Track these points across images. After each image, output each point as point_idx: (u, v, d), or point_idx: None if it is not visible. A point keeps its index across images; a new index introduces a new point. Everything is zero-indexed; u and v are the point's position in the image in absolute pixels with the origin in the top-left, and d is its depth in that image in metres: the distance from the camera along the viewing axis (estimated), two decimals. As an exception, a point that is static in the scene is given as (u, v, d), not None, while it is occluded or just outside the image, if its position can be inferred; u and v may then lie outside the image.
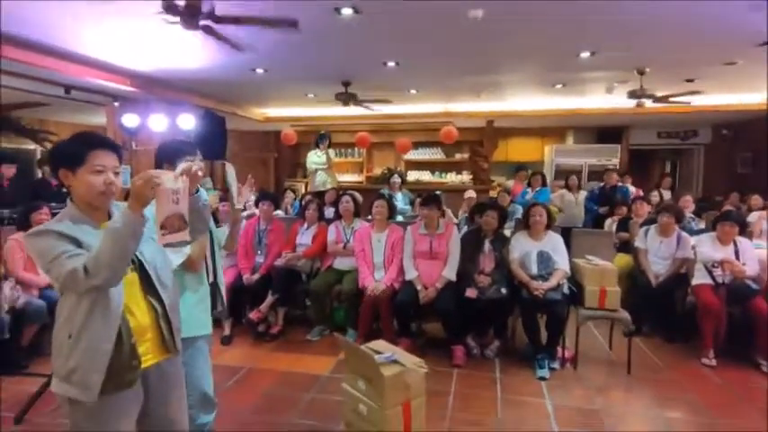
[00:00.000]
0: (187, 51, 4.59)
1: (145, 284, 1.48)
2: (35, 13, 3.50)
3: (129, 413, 1.47)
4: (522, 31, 3.88)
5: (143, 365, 1.45)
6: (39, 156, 8.59)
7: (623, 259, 4.83)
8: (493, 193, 7.95)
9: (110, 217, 1.49)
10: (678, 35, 3.97)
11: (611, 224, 5.45)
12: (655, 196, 6.45)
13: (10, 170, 5.05)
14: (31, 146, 8.33)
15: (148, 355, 1.48)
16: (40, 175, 7.95)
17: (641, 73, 4.95)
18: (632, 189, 6.87)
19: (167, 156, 1.90)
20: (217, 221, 2.05)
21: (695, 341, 3.77)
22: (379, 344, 2.30)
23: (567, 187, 6.45)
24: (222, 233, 2.29)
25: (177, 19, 2.61)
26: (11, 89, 5.35)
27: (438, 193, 5.60)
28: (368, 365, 2.05)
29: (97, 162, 1.41)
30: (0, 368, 3.27)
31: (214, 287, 2.12)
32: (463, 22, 3.55)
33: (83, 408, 1.38)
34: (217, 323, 2.35)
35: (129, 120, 5.86)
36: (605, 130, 9.33)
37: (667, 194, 7.11)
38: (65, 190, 1.50)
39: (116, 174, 1.45)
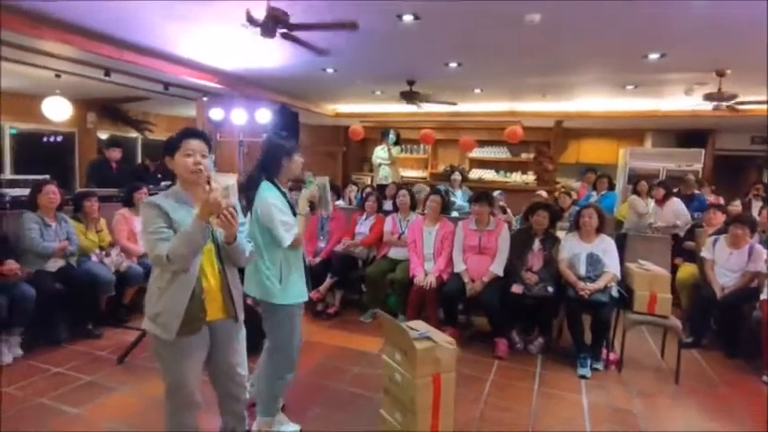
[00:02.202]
0: (266, 53, 5.10)
1: (217, 253, 1.87)
2: (142, 19, 4.12)
3: (198, 352, 1.87)
4: (585, 32, 3.91)
5: (208, 318, 1.85)
6: (140, 143, 9.79)
7: (688, 269, 4.67)
8: (557, 195, 7.83)
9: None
10: (759, 35, 3.78)
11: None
12: (735, 206, 6.03)
13: (116, 153, 5.87)
14: (134, 134, 9.51)
15: (214, 311, 1.87)
16: (140, 161, 9.09)
17: (721, 75, 4.71)
18: (711, 198, 6.45)
19: (288, 150, 2.32)
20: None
21: (758, 359, 3.60)
22: (418, 323, 2.55)
23: (637, 192, 6.21)
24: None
25: (258, 29, 3.02)
26: (120, 85, 6.21)
27: (498, 192, 5.75)
28: (404, 339, 2.31)
29: (187, 147, 1.82)
30: (107, 320, 3.95)
31: (305, 264, 2.47)
32: (524, 24, 3.67)
33: (164, 343, 1.79)
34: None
35: (215, 113, 6.56)
36: (688, 134, 8.78)
37: (758, 205, 6.59)
38: (159, 175, 1.93)
39: (203, 156, 1.84)
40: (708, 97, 4.90)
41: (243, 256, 1.91)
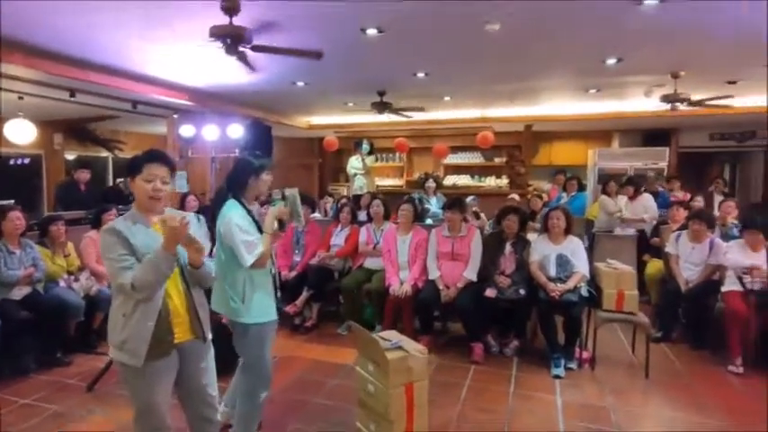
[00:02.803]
0: (236, 68, 5.06)
1: (183, 275, 1.87)
2: (108, 40, 4.09)
3: (167, 376, 1.86)
4: (544, 39, 4.02)
5: (176, 340, 1.84)
6: (111, 162, 9.62)
7: (655, 265, 4.82)
8: (529, 197, 7.99)
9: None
10: (711, 38, 3.96)
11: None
12: (698, 201, 6.26)
13: (85, 175, 5.76)
14: (104, 153, 9.33)
15: (181, 332, 1.86)
16: (111, 182, 8.94)
17: (675, 77, 4.92)
18: (680, 194, 6.68)
19: (255, 168, 2.35)
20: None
21: (724, 349, 3.73)
22: (390, 333, 2.58)
23: (606, 193, 6.40)
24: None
25: (221, 45, 3.04)
26: (86, 105, 6.11)
27: (471, 198, 5.83)
28: (376, 350, 2.33)
29: (149, 172, 1.81)
30: (76, 347, 3.85)
31: (274, 280, 2.45)
32: (486, 33, 3.76)
33: (132, 370, 1.78)
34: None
35: (186, 130, 6.50)
36: (652, 133, 9.08)
37: (719, 199, 6.84)
38: (131, 197, 1.91)
39: (164, 182, 1.84)
40: (664, 98, 5.11)
41: (209, 278, 1.93)
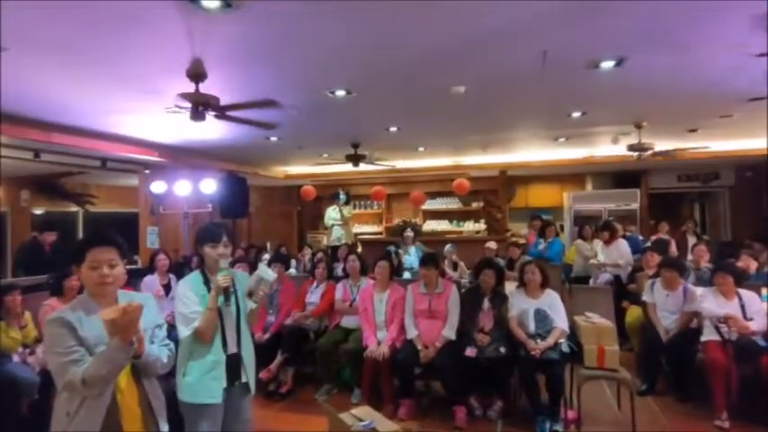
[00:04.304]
0: (206, 125, 5.07)
1: (132, 366, 1.73)
2: (73, 103, 4.06)
3: None
4: (510, 98, 4.18)
5: None
6: (81, 217, 9.36)
7: (635, 312, 4.80)
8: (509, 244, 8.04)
9: (116, 301, 1.76)
10: (670, 93, 4.15)
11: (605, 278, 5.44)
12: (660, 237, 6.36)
13: (50, 237, 5.58)
14: (74, 208, 9.09)
15: (133, 428, 1.71)
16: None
17: (638, 127, 5.12)
18: (665, 237, 6.72)
19: (200, 239, 2.28)
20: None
21: (709, 401, 3.67)
22: (365, 411, 2.45)
23: (582, 237, 6.46)
24: (248, 305, 2.40)
25: (187, 113, 3.04)
26: (53, 164, 5.99)
27: (449, 246, 5.81)
28: (348, 433, 2.20)
29: (92, 258, 1.70)
30: (30, 429, 3.55)
31: (236, 358, 2.27)
32: (451, 94, 3.89)
33: None
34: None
35: (157, 187, 6.42)
36: (623, 175, 9.37)
37: (693, 240, 6.97)
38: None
39: (111, 266, 1.72)
40: (630, 148, 5.29)
41: (155, 367, 1.78)
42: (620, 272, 5.54)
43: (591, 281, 5.86)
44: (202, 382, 2.17)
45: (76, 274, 1.76)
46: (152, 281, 4.74)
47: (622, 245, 5.80)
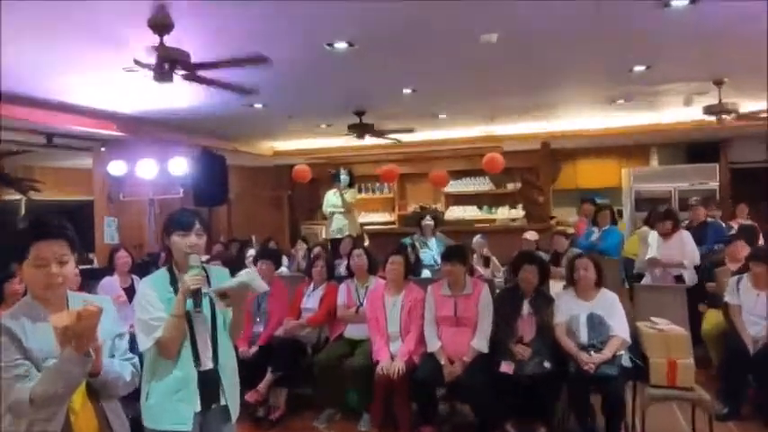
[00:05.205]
0: (174, 90, 5.09)
1: (90, 386, 1.75)
2: (12, 67, 4.07)
3: None
4: (554, 46, 4.12)
5: None
6: (24, 206, 9.49)
7: (713, 317, 4.76)
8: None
9: (68, 305, 1.78)
10: (754, 39, 4.05)
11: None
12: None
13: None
14: (16, 196, 9.21)
15: None
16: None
17: (719, 84, 5.03)
18: (743, 223, 6.62)
19: (166, 227, 2.28)
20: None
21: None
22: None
23: (649, 224, 6.36)
24: (228, 313, 2.37)
25: (150, 72, 3.03)
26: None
27: (479, 237, 5.78)
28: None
29: (37, 254, 1.70)
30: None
31: (212, 375, 2.28)
32: (479, 44, 3.84)
33: None
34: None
35: (115, 168, 6.47)
36: (698, 146, 9.24)
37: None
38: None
39: (61, 262, 1.73)
40: (708, 110, 5.20)
41: (116, 386, 1.80)
42: (684, 272, 5.44)
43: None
44: (167, 404, 2.18)
45: (18, 274, 1.77)
46: (111, 283, 4.79)
47: (686, 238, 5.64)
